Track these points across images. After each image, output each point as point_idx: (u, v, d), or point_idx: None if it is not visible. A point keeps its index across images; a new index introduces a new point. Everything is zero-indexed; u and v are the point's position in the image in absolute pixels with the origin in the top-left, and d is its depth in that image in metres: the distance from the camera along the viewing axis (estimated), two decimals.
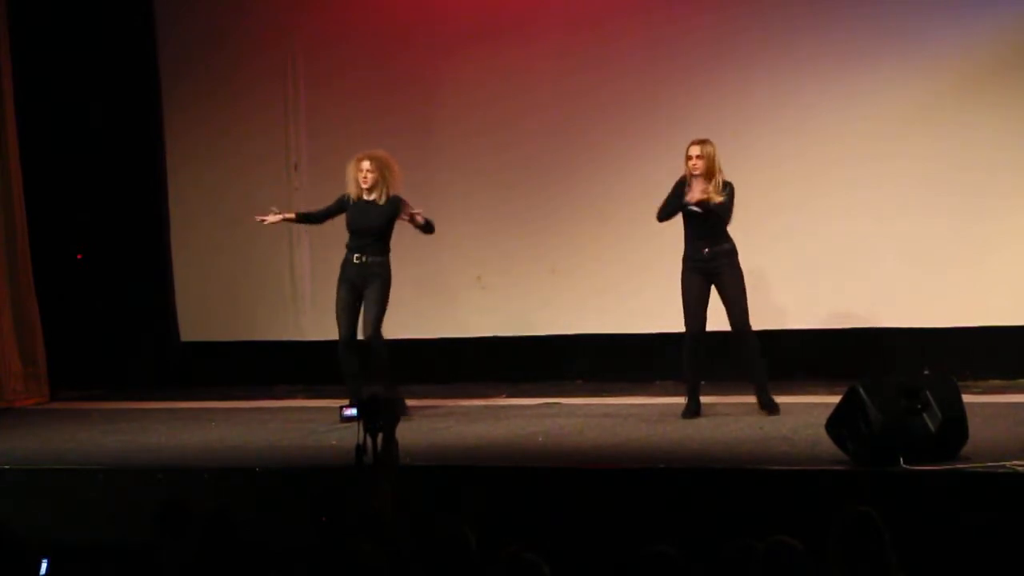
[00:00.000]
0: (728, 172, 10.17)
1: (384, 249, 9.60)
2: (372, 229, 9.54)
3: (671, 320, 10.58)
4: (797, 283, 10.64)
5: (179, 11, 12.00)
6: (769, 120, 10.67)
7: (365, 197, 9.60)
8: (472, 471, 7.76)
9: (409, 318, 11.02)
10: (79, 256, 12.24)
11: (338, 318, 9.63)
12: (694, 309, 9.16)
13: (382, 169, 9.56)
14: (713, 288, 9.20)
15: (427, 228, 9.55)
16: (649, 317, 10.88)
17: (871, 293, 10.54)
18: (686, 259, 9.19)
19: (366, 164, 9.56)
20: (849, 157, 10.48)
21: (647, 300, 10.88)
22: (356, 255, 9.58)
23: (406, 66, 11.47)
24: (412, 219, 9.46)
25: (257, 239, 11.86)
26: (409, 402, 9.53)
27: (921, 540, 6.34)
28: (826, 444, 7.55)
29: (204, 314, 12.03)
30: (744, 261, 10.03)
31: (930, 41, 10.39)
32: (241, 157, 11.90)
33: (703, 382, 9.41)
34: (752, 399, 9.48)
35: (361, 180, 9.56)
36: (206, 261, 12.02)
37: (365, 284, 9.57)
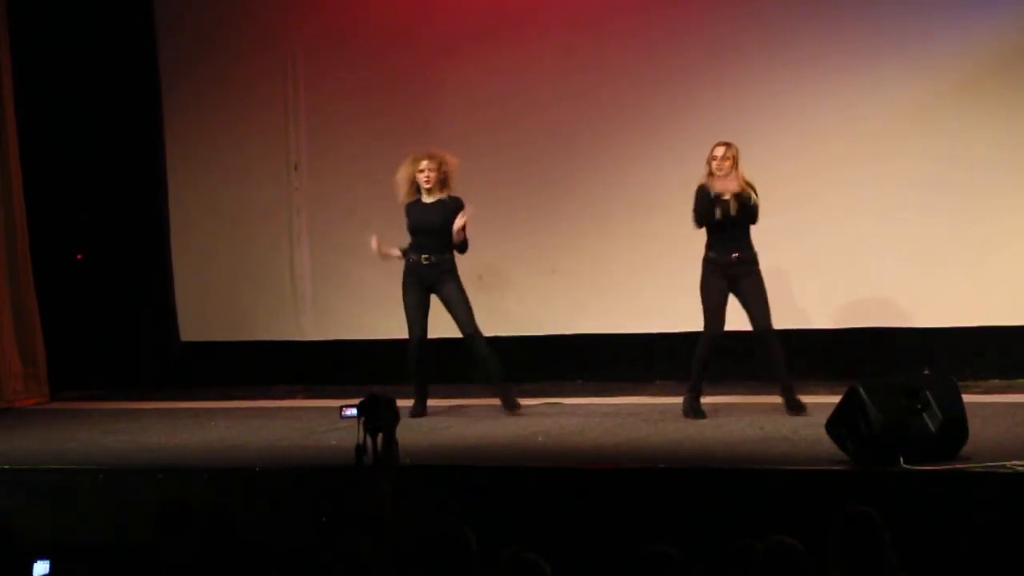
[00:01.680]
0: None
1: (449, 244, 9.57)
2: (437, 228, 9.52)
3: (671, 320, 10.61)
4: (797, 283, 10.63)
5: (179, 11, 12.00)
6: (769, 120, 10.66)
7: (425, 199, 9.58)
8: (472, 471, 7.76)
9: None
10: (79, 256, 12.23)
11: (410, 319, 9.59)
12: (716, 311, 9.19)
13: (442, 167, 9.56)
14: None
15: (462, 246, 9.56)
16: (649, 317, 10.89)
17: (871, 293, 10.54)
18: (710, 262, 9.21)
19: (425, 163, 9.52)
20: (849, 157, 10.48)
21: (647, 300, 10.89)
22: (424, 256, 9.55)
23: (406, 66, 11.46)
24: (456, 230, 9.46)
25: (257, 239, 11.87)
26: (410, 402, 9.53)
27: (921, 540, 6.34)
28: (826, 444, 7.55)
29: (204, 314, 12.03)
30: None
31: (930, 41, 10.39)
32: (241, 157, 11.90)
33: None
34: (752, 399, 9.51)
35: (424, 180, 9.53)
36: (206, 261, 12.01)
37: (437, 284, 9.58)
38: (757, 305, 9.15)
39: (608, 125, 11.08)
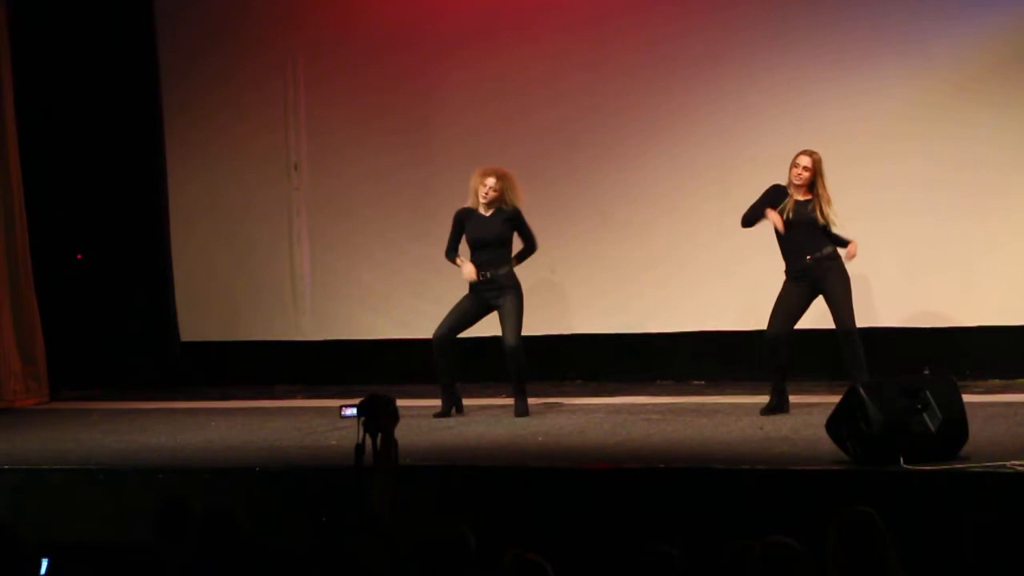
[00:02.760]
0: (726, 173, 10.20)
1: (508, 258, 9.61)
2: (493, 241, 9.55)
3: (671, 320, 10.61)
4: None
5: (179, 11, 11.99)
6: (769, 120, 10.66)
7: (483, 212, 9.60)
8: (472, 471, 7.76)
9: (409, 318, 11.04)
10: (79, 256, 12.23)
11: (446, 316, 9.64)
12: (774, 312, 9.17)
13: (506, 192, 9.57)
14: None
15: (530, 252, 9.70)
16: (649, 317, 10.89)
17: (871, 293, 10.53)
18: (787, 271, 9.19)
19: (492, 180, 9.53)
20: (849, 157, 10.46)
21: (647, 300, 10.89)
22: (482, 273, 9.55)
23: (406, 66, 11.46)
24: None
25: (257, 239, 11.87)
26: (409, 402, 9.51)
27: (921, 540, 6.34)
28: (826, 444, 7.55)
29: (204, 314, 12.03)
30: (745, 262, 10.03)
31: (931, 41, 10.40)
32: (241, 157, 11.90)
33: (783, 381, 9.29)
34: (752, 399, 9.50)
35: (483, 196, 9.54)
36: (206, 261, 12.01)
37: (495, 300, 9.58)
38: (834, 304, 9.10)
39: (608, 125, 11.08)
